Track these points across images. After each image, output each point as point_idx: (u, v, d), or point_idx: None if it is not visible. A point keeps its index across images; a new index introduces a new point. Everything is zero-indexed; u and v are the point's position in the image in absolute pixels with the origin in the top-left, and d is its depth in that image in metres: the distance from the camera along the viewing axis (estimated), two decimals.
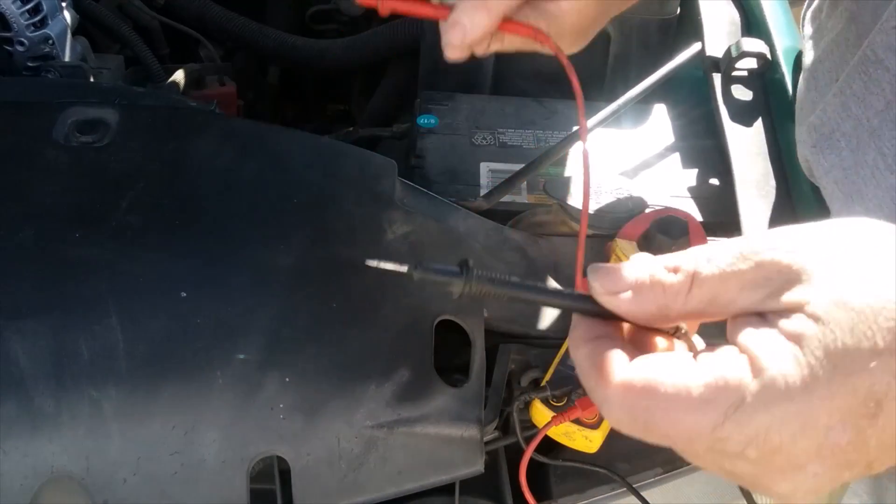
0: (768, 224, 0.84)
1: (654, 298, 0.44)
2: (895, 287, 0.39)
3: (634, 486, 0.73)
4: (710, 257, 0.43)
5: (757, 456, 0.40)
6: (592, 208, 0.81)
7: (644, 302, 0.44)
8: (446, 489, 0.69)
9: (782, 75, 0.93)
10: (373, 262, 0.46)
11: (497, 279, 0.45)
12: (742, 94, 0.93)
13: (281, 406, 0.65)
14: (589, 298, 0.45)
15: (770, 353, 0.39)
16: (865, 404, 0.39)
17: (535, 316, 0.78)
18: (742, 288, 0.42)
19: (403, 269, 0.45)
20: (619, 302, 0.45)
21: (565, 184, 0.84)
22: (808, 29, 0.82)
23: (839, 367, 0.39)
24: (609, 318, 0.45)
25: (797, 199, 0.85)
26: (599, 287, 0.45)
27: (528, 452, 0.67)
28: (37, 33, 0.97)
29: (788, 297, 0.40)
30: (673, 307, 0.44)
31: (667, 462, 0.75)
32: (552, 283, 0.49)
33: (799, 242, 0.41)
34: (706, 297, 0.43)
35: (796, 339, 0.39)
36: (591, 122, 0.89)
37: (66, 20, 1.01)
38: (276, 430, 0.64)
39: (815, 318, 0.39)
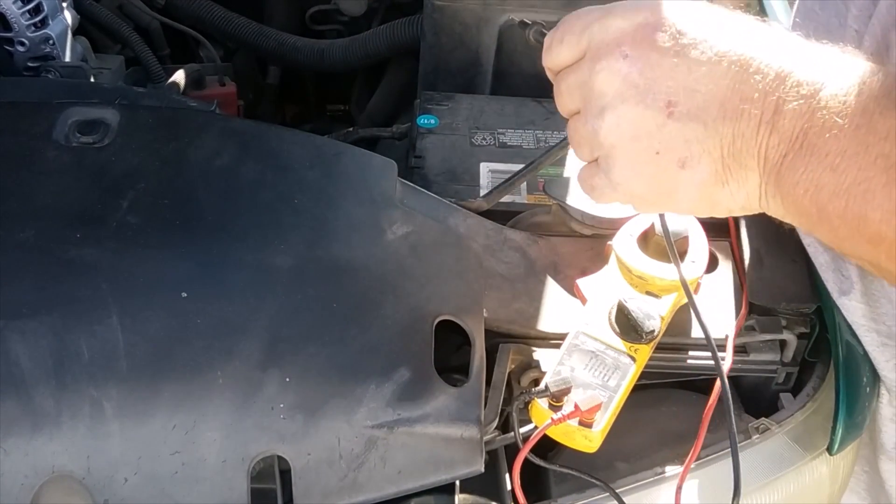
0: (767, 223, 0.84)
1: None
2: None
3: (634, 486, 0.73)
4: None
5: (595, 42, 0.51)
6: (593, 208, 0.81)
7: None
8: (446, 489, 0.69)
9: None
10: None
11: None
12: None
13: (281, 406, 0.65)
14: None
15: None
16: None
17: (535, 316, 0.78)
18: None
19: None
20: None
21: (565, 184, 0.84)
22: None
23: None
24: None
25: None
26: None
27: (524, 452, 0.67)
28: (37, 33, 0.97)
29: None
30: None
31: (666, 462, 0.75)
32: None
33: None
34: None
35: None
36: None
37: (66, 20, 1.02)
38: (277, 430, 0.65)
39: None
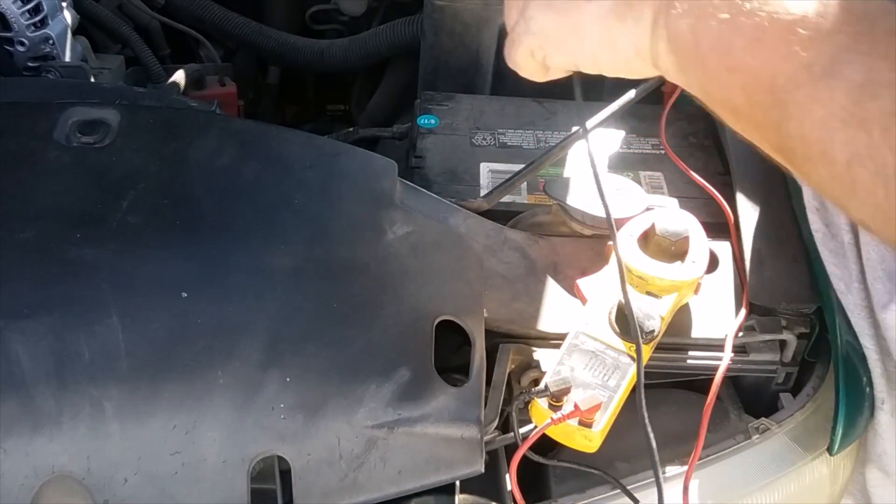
0: (767, 223, 0.84)
1: None
2: None
3: (634, 485, 0.73)
4: None
5: None
6: (592, 208, 0.81)
7: None
8: (446, 489, 0.69)
9: None
10: None
11: None
12: None
13: (281, 406, 0.65)
14: None
15: None
16: None
17: (536, 316, 0.78)
18: None
19: None
20: None
21: (565, 184, 0.84)
22: None
23: None
24: None
25: (796, 198, 0.85)
26: None
27: (521, 451, 0.68)
28: (37, 33, 0.97)
29: None
30: None
31: (666, 462, 0.75)
32: None
33: None
34: None
35: None
36: (591, 122, 0.89)
37: (66, 20, 1.02)
38: (277, 430, 0.65)
39: None
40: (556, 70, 0.63)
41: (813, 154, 0.47)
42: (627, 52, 0.56)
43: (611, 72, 0.59)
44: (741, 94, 0.50)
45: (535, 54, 0.61)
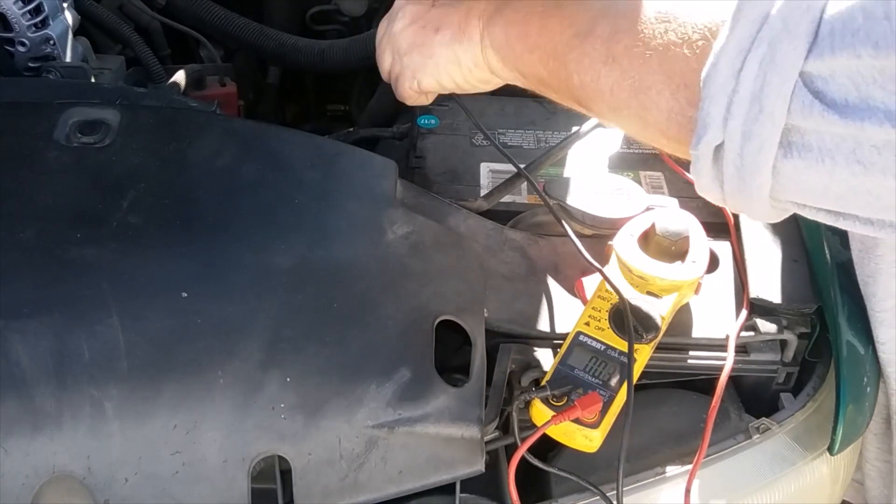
0: (768, 223, 0.84)
1: None
2: None
3: (634, 486, 0.73)
4: None
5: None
6: (593, 208, 0.81)
7: None
8: (446, 489, 0.69)
9: None
10: None
11: None
12: None
13: (282, 406, 0.65)
14: None
15: None
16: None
17: (536, 316, 0.78)
18: None
19: None
20: None
21: (565, 184, 0.84)
22: None
23: None
24: None
25: None
26: None
27: (520, 451, 0.68)
28: (38, 34, 0.97)
29: None
30: None
31: (666, 462, 0.75)
32: None
33: None
34: None
35: None
36: (591, 123, 0.89)
37: (67, 21, 1.01)
38: (277, 430, 0.65)
39: None
40: (430, 94, 0.81)
41: (592, 93, 0.60)
42: (469, 64, 0.73)
43: (464, 84, 0.76)
44: (541, 67, 0.65)
45: (412, 85, 0.79)
